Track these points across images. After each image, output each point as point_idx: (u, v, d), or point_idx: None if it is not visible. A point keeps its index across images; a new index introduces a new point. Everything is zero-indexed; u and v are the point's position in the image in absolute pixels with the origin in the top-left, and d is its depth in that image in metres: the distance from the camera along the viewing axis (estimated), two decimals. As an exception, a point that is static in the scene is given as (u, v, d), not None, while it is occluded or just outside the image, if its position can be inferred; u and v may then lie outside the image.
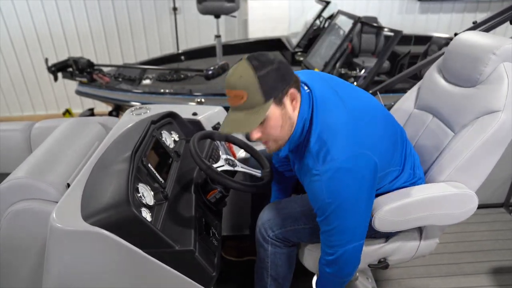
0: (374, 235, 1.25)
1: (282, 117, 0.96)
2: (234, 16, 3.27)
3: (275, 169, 1.44)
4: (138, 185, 1.08)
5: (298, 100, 0.99)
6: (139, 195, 1.05)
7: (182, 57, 3.68)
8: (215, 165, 1.17)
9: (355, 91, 1.11)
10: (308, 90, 1.03)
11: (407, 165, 1.15)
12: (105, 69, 3.39)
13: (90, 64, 3.19)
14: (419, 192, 1.12)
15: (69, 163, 1.29)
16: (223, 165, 1.20)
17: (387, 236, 1.27)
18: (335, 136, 0.97)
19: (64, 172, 1.24)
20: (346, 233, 1.02)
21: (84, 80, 3.19)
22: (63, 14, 3.97)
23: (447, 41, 3.03)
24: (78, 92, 3.27)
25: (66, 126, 1.52)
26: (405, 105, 1.43)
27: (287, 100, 0.96)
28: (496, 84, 1.11)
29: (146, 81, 3.18)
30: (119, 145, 1.24)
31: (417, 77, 2.97)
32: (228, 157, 1.26)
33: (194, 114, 1.61)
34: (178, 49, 4.21)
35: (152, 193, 1.12)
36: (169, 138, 1.43)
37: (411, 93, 1.43)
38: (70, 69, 3.20)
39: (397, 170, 1.12)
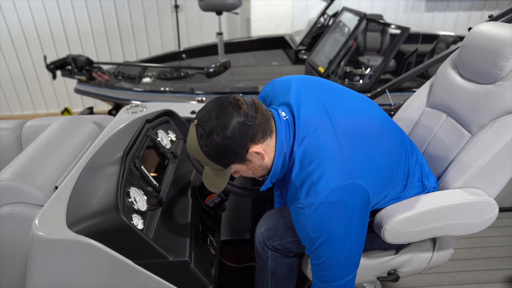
0: (384, 246, 1.17)
1: (250, 169, 0.94)
2: (236, 13, 3.19)
3: None
4: (129, 189, 1.00)
5: (265, 150, 0.91)
6: (130, 200, 0.97)
7: (184, 55, 3.61)
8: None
9: (351, 101, 1.02)
10: (286, 118, 0.95)
11: (413, 178, 1.06)
12: (105, 67, 3.33)
13: (89, 62, 3.13)
14: (433, 200, 1.03)
15: (59, 165, 1.21)
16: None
17: (398, 248, 1.19)
18: (320, 165, 0.89)
19: (53, 174, 1.16)
20: (337, 268, 0.94)
21: (83, 78, 3.13)
22: (64, 12, 3.92)
23: (455, 39, 2.94)
24: (77, 91, 3.20)
25: (58, 125, 1.44)
26: (416, 102, 1.33)
27: (251, 156, 0.90)
28: None
29: (146, 79, 3.11)
30: (111, 146, 1.16)
31: (424, 76, 2.89)
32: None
33: (193, 112, 1.53)
34: (179, 47, 4.14)
35: (145, 197, 1.04)
36: (166, 138, 1.34)
37: (423, 90, 1.33)
38: (69, 67, 3.15)
39: (401, 185, 1.03)
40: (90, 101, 4.12)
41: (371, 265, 1.16)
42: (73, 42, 4.09)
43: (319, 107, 0.96)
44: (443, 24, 4.62)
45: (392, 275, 1.20)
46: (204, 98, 2.69)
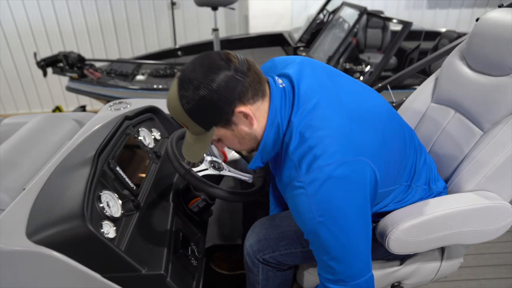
0: (387, 257, 1.06)
1: (235, 136, 0.81)
2: (233, 9, 3.09)
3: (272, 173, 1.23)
4: (101, 192, 0.90)
5: (255, 115, 0.78)
6: (101, 205, 0.87)
7: (179, 52, 3.52)
8: (196, 169, 0.98)
9: (358, 87, 0.90)
10: (283, 85, 0.82)
11: (418, 180, 0.95)
12: (98, 64, 3.24)
13: (80, 59, 3.04)
14: (442, 205, 0.92)
15: (32, 165, 1.11)
16: (206, 169, 1.01)
17: (403, 258, 1.08)
18: (323, 139, 0.76)
19: (24, 176, 1.06)
20: (353, 260, 0.79)
21: (75, 75, 3.04)
22: (58, 9, 3.84)
23: (459, 35, 2.83)
24: (69, 88, 3.12)
25: (35, 122, 1.34)
26: (420, 99, 1.22)
27: (238, 119, 0.78)
28: None
29: (140, 77, 3.02)
30: (85, 145, 1.06)
31: (426, 73, 2.78)
32: (214, 159, 1.07)
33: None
34: (175, 44, 4.05)
35: (120, 202, 0.94)
36: (149, 137, 1.24)
37: (427, 85, 1.22)
38: (61, 64, 3.06)
39: (404, 185, 0.92)
40: (86, 100, 4.04)
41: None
42: (68, 39, 4.01)
43: (323, 84, 0.84)
44: (445, 21, 4.52)
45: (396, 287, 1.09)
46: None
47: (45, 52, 3.85)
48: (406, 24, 2.42)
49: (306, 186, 0.74)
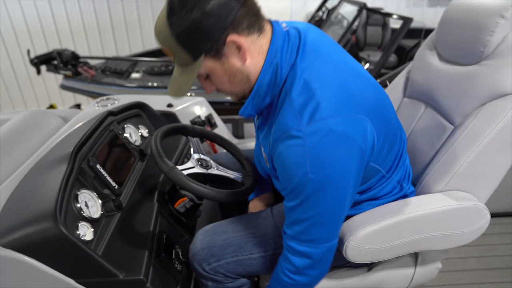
0: (352, 263, 0.97)
1: (225, 71, 0.74)
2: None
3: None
4: (79, 192, 0.84)
5: (249, 49, 0.73)
6: (78, 205, 0.82)
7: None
8: (182, 167, 0.92)
9: (360, 67, 0.85)
10: (287, 29, 0.77)
11: (397, 174, 0.89)
12: (93, 62, 3.19)
13: (75, 57, 2.98)
14: (407, 208, 0.84)
15: (11, 163, 1.06)
16: (193, 167, 0.95)
17: (370, 264, 0.99)
18: (330, 91, 0.71)
19: (1, 175, 1.01)
20: (330, 224, 0.76)
21: (69, 73, 2.99)
22: (55, 7, 3.80)
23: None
24: (63, 87, 3.07)
25: (19, 119, 1.28)
26: (393, 94, 1.14)
27: (229, 51, 0.71)
28: (507, 57, 0.84)
29: (135, 75, 2.96)
30: (65, 142, 1.00)
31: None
32: (202, 157, 1.01)
33: (169, 105, 1.37)
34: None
35: (100, 201, 0.89)
36: (135, 134, 1.19)
37: (400, 79, 1.14)
38: (55, 62, 3.01)
39: (382, 173, 0.85)
40: (83, 98, 3.99)
41: (339, 287, 0.97)
42: (65, 38, 3.97)
43: (330, 42, 0.81)
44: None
45: None
46: (193, 94, 2.54)
47: (42, 51, 3.81)
48: (406, 20, 2.36)
49: (305, 137, 0.68)
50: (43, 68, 3.03)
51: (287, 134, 0.71)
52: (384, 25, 3.37)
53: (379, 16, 3.19)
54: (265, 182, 1.18)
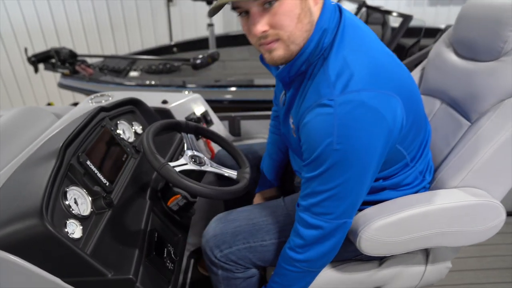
0: (362, 256, 0.96)
1: (301, 4, 0.69)
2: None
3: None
4: (68, 188, 0.82)
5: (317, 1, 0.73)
6: (67, 202, 0.79)
7: (175, 49, 3.44)
8: (174, 163, 0.90)
9: None
10: (334, 2, 0.78)
11: (421, 165, 0.88)
12: (91, 61, 3.18)
13: (72, 55, 2.97)
14: (422, 202, 0.82)
15: (1, 160, 1.03)
16: (186, 164, 0.93)
17: (382, 258, 0.98)
18: (364, 63, 0.70)
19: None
20: (346, 200, 0.74)
21: (66, 71, 2.97)
22: (54, 6, 3.78)
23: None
24: (61, 85, 3.05)
25: (11, 116, 1.26)
26: None
27: None
28: None
29: (133, 73, 2.94)
30: (55, 138, 0.98)
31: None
32: (195, 153, 0.99)
33: (164, 102, 1.35)
34: (171, 41, 3.98)
35: (90, 198, 0.86)
36: (129, 131, 1.16)
37: (414, 75, 1.14)
38: (53, 60, 2.99)
39: (409, 162, 0.84)
40: (81, 97, 3.98)
41: (348, 280, 0.95)
42: (64, 37, 3.95)
43: (365, 26, 0.81)
44: (447, 18, 4.45)
45: None
46: (191, 93, 2.52)
47: (41, 50, 3.80)
48: (406, 18, 2.34)
49: (336, 106, 0.67)
50: (41, 66, 3.02)
51: (318, 102, 0.70)
52: (384, 24, 3.34)
53: (379, 14, 3.16)
54: (273, 176, 1.17)
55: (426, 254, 0.99)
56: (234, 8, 0.73)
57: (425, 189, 0.93)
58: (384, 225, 0.80)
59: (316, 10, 0.73)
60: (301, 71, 0.78)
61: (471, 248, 1.66)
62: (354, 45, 0.73)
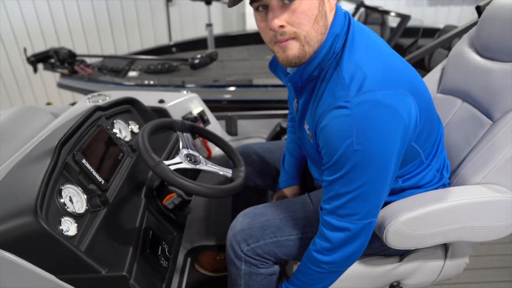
0: (384, 252, 0.98)
1: (319, 6, 0.72)
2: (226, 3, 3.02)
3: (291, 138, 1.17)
4: (63, 186, 0.82)
5: (334, 5, 0.76)
6: (62, 200, 0.80)
7: (174, 49, 3.45)
8: (169, 161, 0.90)
9: None
10: (345, 10, 0.81)
11: (437, 162, 0.89)
12: (90, 61, 3.18)
13: (71, 55, 2.97)
14: (446, 197, 0.84)
15: (-2, 159, 1.04)
16: (180, 162, 0.94)
17: (402, 254, 1.00)
18: (376, 64, 0.72)
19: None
20: (370, 200, 0.75)
21: (65, 71, 2.98)
22: (53, 7, 3.79)
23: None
24: (60, 85, 3.06)
25: (8, 115, 1.27)
26: None
27: None
28: None
29: (132, 73, 2.95)
30: (51, 137, 0.99)
31: (425, 68, 2.70)
32: (191, 152, 1.00)
33: (161, 101, 1.35)
34: (170, 41, 3.99)
35: (86, 196, 0.87)
36: (125, 130, 1.17)
37: (434, 75, 1.16)
38: (52, 60, 3.00)
39: (424, 160, 0.85)
40: (81, 97, 3.98)
41: (369, 275, 0.97)
42: (63, 37, 3.96)
43: (371, 31, 0.84)
44: (446, 18, 4.45)
45: None
46: (189, 92, 2.52)
47: (40, 49, 3.81)
48: (404, 18, 2.35)
49: (353, 107, 0.69)
50: (40, 66, 3.02)
51: (334, 105, 0.71)
52: (383, 24, 3.35)
53: (378, 14, 3.17)
54: (295, 173, 1.18)
55: (445, 250, 1.01)
56: (252, 1, 0.73)
57: (445, 186, 0.94)
58: (410, 218, 0.82)
59: (330, 16, 0.76)
60: (313, 76, 0.79)
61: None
62: (364, 48, 0.75)
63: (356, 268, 0.97)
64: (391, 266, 0.99)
